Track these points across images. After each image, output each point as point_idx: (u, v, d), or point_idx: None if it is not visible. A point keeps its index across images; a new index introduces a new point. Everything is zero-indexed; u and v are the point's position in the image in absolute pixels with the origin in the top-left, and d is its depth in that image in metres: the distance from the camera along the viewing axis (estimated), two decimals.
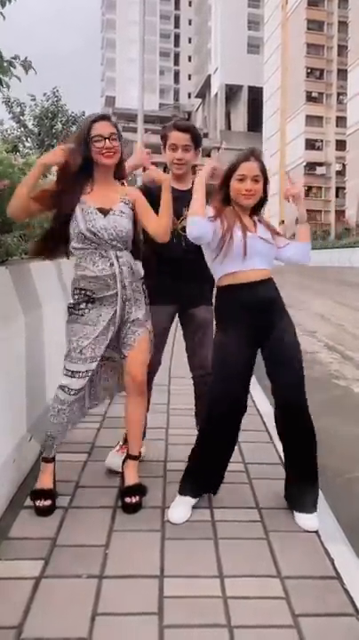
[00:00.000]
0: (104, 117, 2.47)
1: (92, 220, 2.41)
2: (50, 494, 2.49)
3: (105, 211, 2.45)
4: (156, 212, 2.56)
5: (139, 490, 2.56)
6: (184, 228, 2.63)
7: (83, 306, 2.47)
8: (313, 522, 2.39)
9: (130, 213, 2.52)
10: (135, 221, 2.55)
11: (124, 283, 2.47)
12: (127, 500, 2.50)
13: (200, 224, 2.36)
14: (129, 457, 2.65)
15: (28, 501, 2.54)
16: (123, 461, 2.68)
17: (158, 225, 2.53)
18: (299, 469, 2.52)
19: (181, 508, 2.45)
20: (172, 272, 2.79)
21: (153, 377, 2.96)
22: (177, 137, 2.74)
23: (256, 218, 2.53)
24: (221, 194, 2.49)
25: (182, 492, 2.52)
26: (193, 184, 2.74)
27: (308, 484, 2.49)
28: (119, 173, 2.57)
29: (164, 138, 2.79)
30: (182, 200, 2.70)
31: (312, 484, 2.50)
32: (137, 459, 2.66)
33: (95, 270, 2.44)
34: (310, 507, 2.44)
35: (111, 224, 2.43)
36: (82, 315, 2.47)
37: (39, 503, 2.45)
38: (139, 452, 2.70)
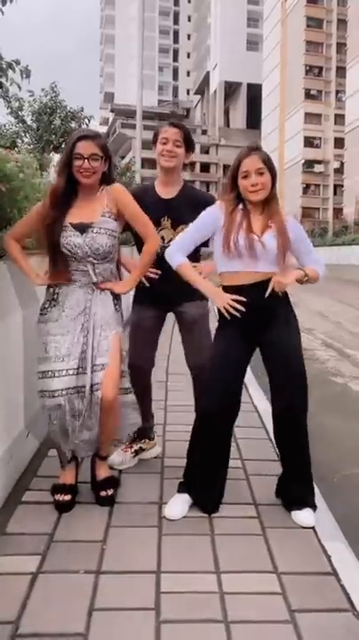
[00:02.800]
0: (88, 137, 2.42)
1: (68, 236, 2.41)
2: (70, 489, 2.50)
3: (84, 227, 2.42)
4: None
5: (111, 482, 2.58)
6: (162, 238, 2.70)
7: (47, 305, 2.50)
8: (309, 518, 2.39)
9: (111, 226, 2.46)
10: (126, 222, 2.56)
11: (96, 290, 2.48)
12: (102, 493, 2.52)
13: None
14: (98, 457, 2.61)
15: (26, 497, 2.54)
16: (92, 459, 2.63)
17: (153, 244, 2.57)
18: (292, 467, 2.52)
19: (178, 505, 2.45)
20: (159, 270, 2.76)
21: (149, 376, 2.96)
22: (169, 132, 2.71)
23: (271, 222, 2.42)
24: (232, 195, 2.46)
25: (180, 489, 2.52)
26: (179, 191, 2.78)
27: (303, 482, 2.50)
28: (107, 181, 2.53)
29: (156, 134, 2.76)
30: (164, 207, 2.73)
31: (306, 482, 2.51)
32: (104, 459, 2.64)
33: (74, 277, 2.46)
34: (306, 503, 2.45)
35: (87, 242, 2.41)
36: (45, 314, 2.49)
37: (59, 497, 2.45)
38: (106, 455, 2.65)
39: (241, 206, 2.45)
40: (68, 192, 2.46)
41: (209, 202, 2.67)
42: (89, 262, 2.44)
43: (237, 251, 2.37)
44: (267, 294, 2.38)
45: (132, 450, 2.95)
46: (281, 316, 2.46)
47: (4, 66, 2.76)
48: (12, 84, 2.85)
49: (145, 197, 2.70)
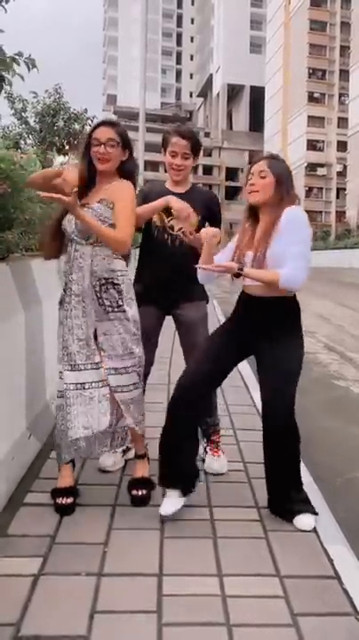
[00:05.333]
0: (106, 123, 2.49)
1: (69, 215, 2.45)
2: (71, 492, 2.50)
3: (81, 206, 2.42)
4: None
5: (148, 484, 2.60)
6: (172, 227, 2.71)
7: (57, 307, 2.54)
8: (308, 520, 2.38)
9: (103, 214, 2.41)
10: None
11: (85, 275, 2.44)
12: (133, 492, 2.54)
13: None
14: (135, 456, 2.71)
15: (27, 499, 2.54)
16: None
17: (116, 234, 2.37)
18: (280, 474, 2.49)
19: (168, 501, 2.44)
20: (158, 271, 2.79)
21: (146, 378, 2.95)
22: (178, 144, 2.74)
23: (257, 240, 2.34)
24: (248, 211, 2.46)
25: (160, 482, 2.51)
26: (190, 187, 2.86)
27: (294, 488, 2.48)
28: (125, 173, 2.54)
29: (165, 141, 2.79)
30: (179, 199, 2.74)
31: (297, 488, 2.49)
32: (143, 457, 2.69)
33: (70, 262, 2.48)
34: (303, 507, 2.43)
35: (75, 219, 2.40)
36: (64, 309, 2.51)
37: (60, 501, 2.45)
38: (145, 452, 2.71)
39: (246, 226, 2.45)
40: (91, 176, 2.48)
41: (214, 199, 2.93)
42: (72, 242, 2.47)
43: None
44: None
45: (120, 450, 2.96)
46: (283, 337, 2.38)
47: (8, 61, 2.76)
48: (14, 76, 2.84)
49: (155, 189, 2.82)
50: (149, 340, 2.82)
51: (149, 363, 2.91)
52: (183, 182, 2.86)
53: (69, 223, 2.45)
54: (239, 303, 2.50)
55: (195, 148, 2.79)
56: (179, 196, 2.73)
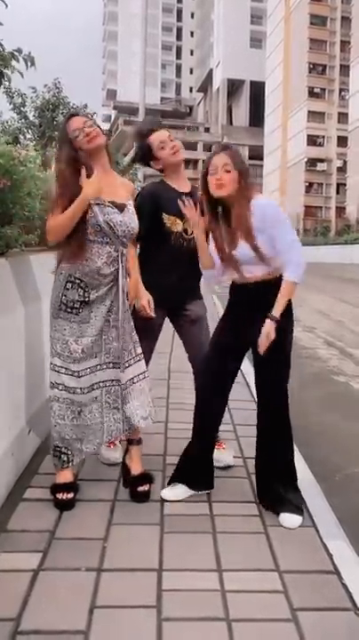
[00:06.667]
0: (72, 115, 2.51)
1: (109, 213, 2.41)
2: (72, 487, 2.50)
3: (119, 206, 2.45)
4: (165, 210, 2.71)
5: (148, 478, 2.61)
6: (186, 230, 2.74)
7: (77, 305, 2.45)
8: (293, 519, 2.37)
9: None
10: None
11: (121, 280, 2.48)
12: (139, 488, 2.54)
13: (209, 278, 2.63)
14: (129, 442, 2.67)
15: (27, 494, 2.54)
16: (124, 454, 2.69)
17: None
18: (272, 469, 2.51)
19: (175, 488, 2.52)
20: (176, 274, 2.80)
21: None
22: (158, 136, 2.76)
23: (239, 233, 2.38)
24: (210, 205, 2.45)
25: (175, 478, 2.60)
26: (192, 187, 2.87)
27: (287, 486, 2.48)
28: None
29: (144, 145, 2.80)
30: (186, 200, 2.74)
31: (291, 486, 2.50)
32: (139, 443, 2.68)
33: (99, 262, 2.42)
34: (292, 506, 2.42)
35: (127, 220, 2.45)
36: (76, 314, 2.47)
37: (61, 496, 2.45)
38: (139, 438, 2.72)
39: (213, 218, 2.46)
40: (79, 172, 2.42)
41: None
42: (121, 243, 2.46)
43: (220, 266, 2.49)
44: (261, 352, 2.38)
45: (119, 442, 2.96)
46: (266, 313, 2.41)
47: (7, 56, 2.75)
48: (14, 72, 2.83)
49: (164, 194, 2.77)
50: (154, 337, 2.88)
51: (148, 357, 2.93)
52: (183, 179, 2.86)
53: (120, 225, 2.43)
54: (231, 295, 2.55)
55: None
56: (182, 194, 2.72)
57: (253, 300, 2.44)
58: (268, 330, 2.35)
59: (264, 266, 2.39)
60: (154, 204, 2.72)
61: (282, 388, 2.48)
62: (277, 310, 2.36)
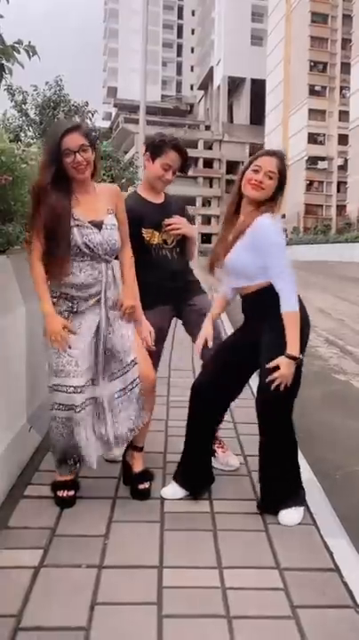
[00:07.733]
0: (73, 129, 2.33)
1: (88, 234, 2.36)
2: (72, 485, 2.50)
3: (97, 224, 2.39)
4: (143, 225, 2.73)
5: (148, 476, 2.61)
6: (166, 241, 2.80)
7: (66, 315, 2.40)
8: (292, 516, 2.37)
9: (116, 223, 2.47)
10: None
11: (107, 294, 2.44)
12: (140, 486, 2.54)
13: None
14: (133, 448, 2.65)
15: (28, 491, 2.55)
16: (125, 452, 2.68)
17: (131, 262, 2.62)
18: (272, 468, 2.46)
19: (175, 487, 2.53)
20: (165, 283, 2.82)
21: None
22: (174, 159, 2.75)
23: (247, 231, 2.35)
24: (234, 202, 2.44)
25: (175, 478, 2.60)
26: (164, 196, 2.90)
27: (288, 483, 2.45)
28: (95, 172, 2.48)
29: (160, 151, 2.74)
30: (161, 212, 2.81)
31: (293, 484, 2.47)
32: (141, 450, 2.68)
33: (82, 277, 2.38)
34: (290, 502, 2.41)
35: (106, 239, 2.39)
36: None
37: (61, 493, 2.45)
38: (142, 446, 2.71)
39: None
40: (62, 190, 2.35)
41: (188, 202, 2.91)
42: (104, 260, 2.41)
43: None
44: (272, 388, 2.28)
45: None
46: (275, 322, 2.37)
47: (8, 49, 2.74)
48: (14, 64, 2.82)
49: (139, 206, 2.78)
50: (160, 340, 2.89)
51: (157, 359, 2.94)
52: (161, 190, 2.87)
53: (100, 244, 2.38)
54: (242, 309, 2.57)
55: (184, 164, 2.84)
56: (158, 206, 2.81)
57: (247, 310, 2.50)
58: (284, 373, 2.25)
59: (245, 279, 2.41)
60: (133, 220, 2.65)
61: (287, 407, 2.40)
62: (291, 347, 2.26)
